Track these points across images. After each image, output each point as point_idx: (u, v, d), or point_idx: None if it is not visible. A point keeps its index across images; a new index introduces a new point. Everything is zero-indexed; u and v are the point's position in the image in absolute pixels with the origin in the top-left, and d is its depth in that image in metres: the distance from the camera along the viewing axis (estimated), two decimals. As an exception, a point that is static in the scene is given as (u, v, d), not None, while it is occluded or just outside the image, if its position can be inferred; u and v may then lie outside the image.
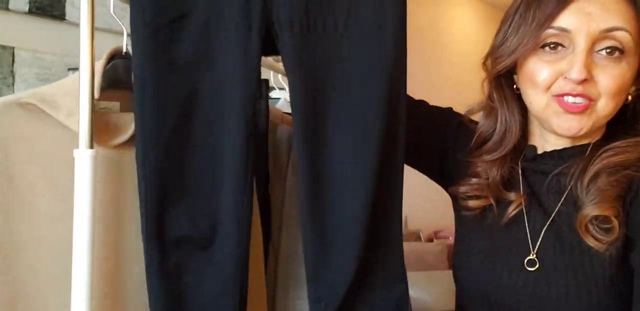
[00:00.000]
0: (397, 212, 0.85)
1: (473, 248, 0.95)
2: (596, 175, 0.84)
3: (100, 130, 0.84)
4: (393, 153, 0.83)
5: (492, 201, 0.92)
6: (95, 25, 0.80)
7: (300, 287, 1.05)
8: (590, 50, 0.82)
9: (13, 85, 1.49)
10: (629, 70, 0.84)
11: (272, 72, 1.39)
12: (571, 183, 0.87)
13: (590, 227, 0.82)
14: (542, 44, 0.85)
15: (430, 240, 4.10)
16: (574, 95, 0.83)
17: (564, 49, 0.84)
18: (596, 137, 0.91)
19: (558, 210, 0.88)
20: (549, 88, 0.85)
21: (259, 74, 0.82)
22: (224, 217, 0.81)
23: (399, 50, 0.81)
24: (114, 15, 0.94)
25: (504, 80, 0.94)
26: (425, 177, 1.07)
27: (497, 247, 0.92)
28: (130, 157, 0.82)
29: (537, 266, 0.86)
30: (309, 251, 0.83)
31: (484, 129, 0.96)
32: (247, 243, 0.81)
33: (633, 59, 0.84)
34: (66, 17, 1.62)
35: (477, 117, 1.00)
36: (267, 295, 1.02)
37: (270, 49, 0.81)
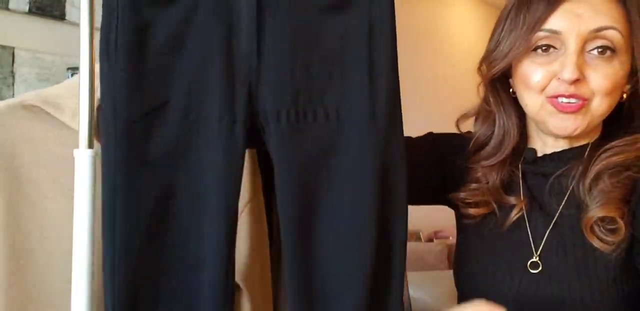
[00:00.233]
0: (399, 296, 0.78)
1: (474, 253, 0.95)
2: (597, 177, 0.85)
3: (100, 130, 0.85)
4: (393, 238, 0.77)
5: (494, 206, 0.92)
6: (95, 25, 0.80)
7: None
8: (582, 51, 0.83)
9: (13, 85, 1.49)
10: (622, 69, 0.85)
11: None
12: (572, 185, 0.87)
13: (596, 229, 0.82)
14: (534, 46, 0.86)
15: (430, 240, 4.11)
16: (567, 96, 0.84)
17: (556, 50, 0.85)
18: (594, 137, 0.91)
19: (560, 212, 0.88)
20: (543, 90, 0.86)
21: (242, 171, 0.76)
22: None
23: (393, 136, 0.76)
24: (114, 15, 0.94)
25: (499, 84, 0.94)
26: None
27: (499, 251, 0.92)
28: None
29: (540, 268, 0.86)
30: None
31: (481, 133, 0.97)
32: None
33: (625, 58, 0.85)
34: (66, 17, 1.62)
35: (470, 121, 1.00)
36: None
37: (254, 141, 0.76)
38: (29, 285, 0.83)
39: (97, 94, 0.83)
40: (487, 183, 0.93)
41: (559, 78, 0.84)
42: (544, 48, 0.86)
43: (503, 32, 0.89)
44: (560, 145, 0.91)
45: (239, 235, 0.79)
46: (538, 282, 0.86)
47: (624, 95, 0.88)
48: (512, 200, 0.91)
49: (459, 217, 0.99)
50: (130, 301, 0.72)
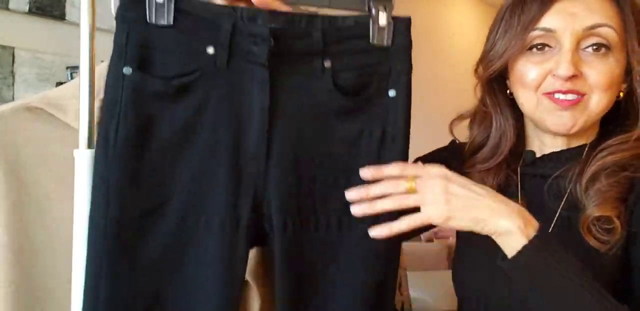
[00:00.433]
0: None
1: (473, 258, 0.94)
2: (594, 177, 0.85)
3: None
4: None
5: None
6: (96, 25, 0.80)
7: None
8: (576, 48, 0.84)
9: (13, 85, 1.49)
10: (617, 66, 0.85)
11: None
12: (570, 186, 0.87)
13: (593, 228, 0.82)
14: (529, 45, 0.87)
15: (430, 240, 4.10)
16: (564, 92, 0.84)
17: (551, 49, 0.86)
18: (591, 137, 0.91)
19: (559, 214, 0.88)
20: (538, 87, 0.86)
21: (244, 278, 0.75)
22: None
23: (391, 248, 0.78)
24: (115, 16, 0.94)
25: (496, 86, 0.95)
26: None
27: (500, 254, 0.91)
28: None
29: None
30: None
31: (478, 135, 0.97)
32: None
33: (620, 55, 0.86)
34: (66, 17, 1.62)
35: (464, 124, 1.00)
36: None
37: (255, 242, 0.76)
38: (36, 286, 0.83)
39: (98, 94, 0.83)
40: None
41: (554, 75, 0.84)
42: (539, 47, 0.86)
43: (498, 33, 0.90)
44: (559, 145, 0.91)
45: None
46: None
47: (621, 94, 0.89)
48: None
49: None
50: None
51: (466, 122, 1.00)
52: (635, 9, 0.87)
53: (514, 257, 0.74)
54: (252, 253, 0.81)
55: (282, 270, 0.75)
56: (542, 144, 0.93)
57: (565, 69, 0.82)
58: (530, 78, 0.86)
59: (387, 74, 0.78)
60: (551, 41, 0.85)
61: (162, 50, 0.72)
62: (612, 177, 0.84)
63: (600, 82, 0.84)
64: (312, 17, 0.76)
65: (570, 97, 0.84)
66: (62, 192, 0.84)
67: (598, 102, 0.85)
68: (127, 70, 0.71)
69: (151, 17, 0.71)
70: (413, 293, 2.66)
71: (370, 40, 0.77)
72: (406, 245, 0.94)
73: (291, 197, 0.74)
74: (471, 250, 0.95)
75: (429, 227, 0.93)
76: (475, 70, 0.95)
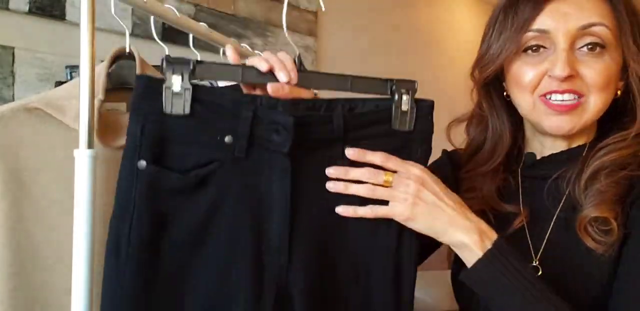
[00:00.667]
0: None
1: None
2: (593, 177, 0.84)
3: (106, 131, 0.85)
4: None
5: (489, 216, 0.90)
6: (96, 25, 0.80)
7: None
8: (571, 48, 0.84)
9: (13, 85, 1.49)
10: (613, 64, 0.85)
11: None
12: (569, 187, 0.87)
13: (590, 229, 0.82)
14: (524, 47, 0.86)
15: (430, 240, 4.09)
16: (561, 92, 0.84)
17: (546, 50, 0.86)
18: (591, 137, 0.91)
19: (557, 216, 0.88)
20: (534, 88, 0.86)
21: None
22: None
23: None
24: (115, 16, 0.94)
25: (492, 88, 0.95)
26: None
27: None
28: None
29: (540, 273, 0.86)
30: None
31: (475, 138, 0.97)
32: None
33: (615, 53, 0.85)
34: (66, 17, 1.61)
35: (462, 126, 1.00)
36: None
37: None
38: (35, 286, 0.83)
39: (98, 95, 0.83)
40: (482, 191, 0.92)
41: (550, 76, 0.84)
42: (534, 48, 0.86)
43: (492, 36, 0.89)
44: (558, 145, 0.91)
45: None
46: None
47: (619, 92, 0.88)
48: (508, 207, 0.91)
49: None
50: None
51: (462, 125, 1.00)
52: (629, 7, 0.86)
53: (469, 271, 0.76)
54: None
55: None
56: (542, 146, 0.93)
57: (561, 69, 0.82)
58: (527, 80, 0.86)
59: (407, 158, 0.77)
60: (546, 42, 0.85)
61: (178, 142, 0.68)
62: (611, 176, 0.83)
63: (597, 81, 0.83)
64: (333, 102, 0.75)
65: (567, 97, 0.84)
66: (62, 192, 0.84)
67: (595, 102, 0.85)
68: (141, 164, 0.67)
69: (167, 107, 0.68)
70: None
71: (392, 125, 0.76)
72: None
73: (314, 291, 0.72)
74: None
75: (434, 247, 0.93)
76: (471, 74, 0.95)
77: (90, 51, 0.78)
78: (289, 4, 2.27)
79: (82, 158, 0.77)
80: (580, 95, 0.84)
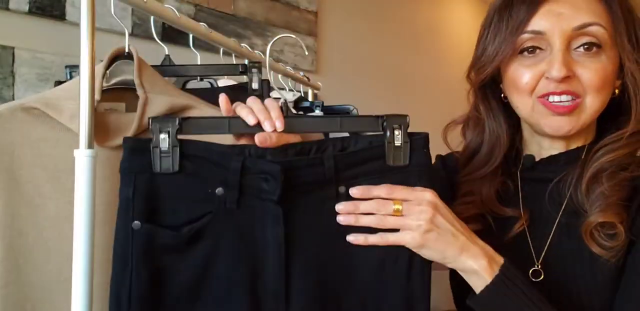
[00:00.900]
0: None
1: None
2: (594, 180, 0.84)
3: (105, 131, 0.85)
4: None
5: (489, 220, 0.90)
6: (96, 25, 0.80)
7: None
8: (567, 49, 0.83)
9: (13, 85, 1.49)
10: (610, 63, 0.85)
11: (272, 72, 1.39)
12: (570, 191, 0.86)
13: (595, 234, 0.81)
14: (520, 49, 0.86)
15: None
16: (559, 94, 0.83)
17: (542, 51, 0.85)
18: (589, 138, 0.91)
19: (559, 220, 0.87)
20: (532, 90, 0.86)
21: None
22: None
23: None
24: (115, 16, 0.94)
25: (489, 91, 0.94)
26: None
27: None
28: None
29: (542, 277, 0.86)
30: None
31: (472, 140, 0.97)
32: None
33: (612, 52, 0.85)
34: (66, 17, 1.61)
35: (458, 129, 1.00)
36: None
37: None
38: (26, 283, 0.84)
39: (98, 96, 0.83)
40: (481, 194, 0.92)
41: (547, 78, 0.83)
42: (530, 50, 0.86)
43: (488, 38, 0.89)
44: (557, 147, 0.91)
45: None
46: (540, 291, 0.85)
47: (616, 91, 0.88)
48: (508, 211, 0.90)
49: None
50: None
51: (459, 128, 1.00)
52: (623, 5, 0.86)
53: (478, 297, 0.76)
54: None
55: None
56: (540, 147, 0.93)
57: (557, 70, 0.81)
58: (524, 82, 0.86)
59: None
60: (542, 43, 0.85)
61: (170, 198, 0.71)
62: (613, 179, 0.83)
63: (594, 81, 0.83)
64: (323, 143, 0.75)
65: (565, 98, 0.83)
66: (56, 191, 0.84)
67: (593, 103, 0.84)
68: (135, 224, 0.70)
69: (156, 166, 0.70)
70: (413, 293, 2.65)
71: (387, 161, 0.75)
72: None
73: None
74: None
75: None
76: (468, 76, 0.94)
77: (90, 51, 0.79)
78: (289, 4, 2.28)
79: (82, 158, 0.77)
80: (577, 96, 0.84)
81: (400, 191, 0.75)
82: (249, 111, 0.75)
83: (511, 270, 0.76)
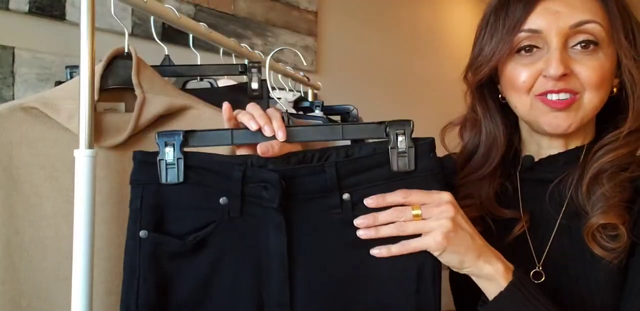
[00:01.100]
0: None
1: None
2: (595, 181, 0.83)
3: (103, 131, 0.85)
4: None
5: (489, 222, 0.90)
6: (96, 25, 0.80)
7: None
8: (565, 47, 0.83)
9: (13, 85, 1.49)
10: (607, 60, 0.84)
11: (272, 72, 1.39)
12: (570, 192, 0.86)
13: (597, 235, 0.81)
14: (517, 48, 0.86)
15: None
16: (557, 92, 0.83)
17: (539, 49, 0.85)
18: (589, 137, 0.90)
19: (560, 221, 0.87)
20: (530, 89, 0.85)
21: None
22: None
23: None
24: (115, 16, 0.94)
25: (486, 91, 0.94)
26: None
27: None
28: (131, 157, 0.82)
29: (543, 278, 0.85)
30: None
31: (469, 142, 0.96)
32: None
33: (609, 50, 0.85)
34: (66, 17, 1.61)
35: (455, 130, 0.99)
36: None
37: None
38: (22, 281, 0.84)
39: (96, 96, 0.83)
40: (481, 197, 0.91)
41: (545, 76, 0.83)
42: (527, 49, 0.86)
43: (484, 38, 0.89)
44: (556, 146, 0.91)
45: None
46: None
47: (614, 89, 0.88)
48: (508, 213, 0.90)
49: None
50: None
51: (456, 129, 0.99)
52: (619, 2, 0.86)
53: (492, 303, 0.75)
54: None
55: None
56: (539, 147, 0.92)
57: (555, 68, 0.81)
58: (521, 81, 0.85)
59: None
60: (538, 42, 0.85)
61: (176, 208, 0.74)
62: (613, 180, 0.82)
63: (591, 79, 0.83)
64: (325, 151, 0.75)
65: (563, 96, 0.83)
66: (54, 190, 0.85)
67: (591, 99, 0.84)
68: (143, 233, 0.72)
69: (163, 177, 0.73)
70: (413, 293, 2.65)
71: (391, 167, 0.74)
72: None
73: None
74: None
75: None
76: (464, 76, 0.94)
77: (90, 51, 0.79)
78: (288, 4, 2.28)
79: (82, 158, 0.77)
80: (575, 94, 0.83)
81: (416, 194, 0.73)
82: (250, 117, 0.76)
83: (522, 275, 0.76)
